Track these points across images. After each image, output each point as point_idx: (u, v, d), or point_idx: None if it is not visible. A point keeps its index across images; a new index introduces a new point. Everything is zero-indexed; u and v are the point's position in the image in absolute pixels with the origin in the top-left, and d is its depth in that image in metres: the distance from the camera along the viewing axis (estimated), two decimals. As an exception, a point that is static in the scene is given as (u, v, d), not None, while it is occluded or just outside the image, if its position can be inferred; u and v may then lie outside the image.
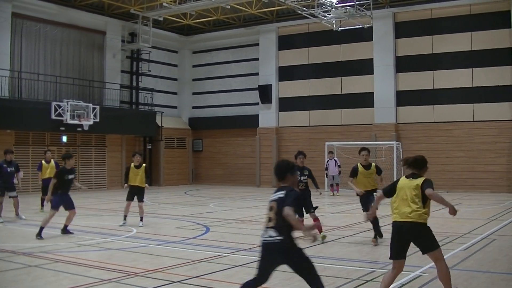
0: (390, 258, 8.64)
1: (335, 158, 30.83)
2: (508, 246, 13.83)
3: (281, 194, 7.49)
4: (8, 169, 19.19)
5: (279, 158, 36.54)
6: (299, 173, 13.87)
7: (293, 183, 7.77)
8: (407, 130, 33.39)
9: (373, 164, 14.78)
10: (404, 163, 8.91)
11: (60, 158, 19.17)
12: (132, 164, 18.19)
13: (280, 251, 7.25)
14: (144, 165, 18.38)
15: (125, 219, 17.89)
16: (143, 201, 18.12)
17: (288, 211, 7.13)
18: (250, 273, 10.80)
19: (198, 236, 15.75)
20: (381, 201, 9.16)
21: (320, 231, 14.28)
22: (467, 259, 12.18)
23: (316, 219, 14.54)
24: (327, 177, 30.86)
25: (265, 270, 7.54)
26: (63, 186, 15.63)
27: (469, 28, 32.27)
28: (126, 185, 18.25)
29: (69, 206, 15.79)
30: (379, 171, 14.87)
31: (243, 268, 11.37)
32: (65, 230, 15.91)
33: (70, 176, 15.80)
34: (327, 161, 30.75)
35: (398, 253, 8.53)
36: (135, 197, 18.03)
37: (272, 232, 7.29)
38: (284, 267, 7.40)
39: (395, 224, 8.53)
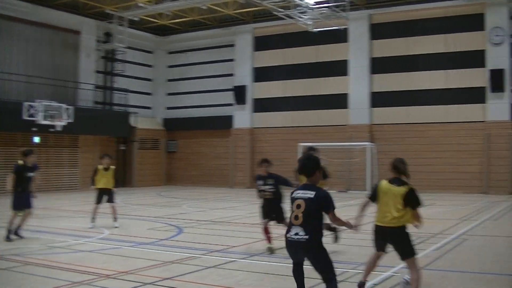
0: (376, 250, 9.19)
1: None
2: (479, 246, 13.92)
3: (310, 194, 7.68)
4: None
5: (253, 159, 36.59)
6: (262, 182, 13.33)
7: (317, 181, 7.97)
8: (381, 131, 33.52)
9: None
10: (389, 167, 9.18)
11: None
12: (101, 167, 18.00)
13: (305, 249, 7.59)
14: (112, 167, 18.25)
15: (93, 221, 17.72)
16: (114, 202, 18.03)
17: (333, 217, 7.78)
18: (223, 274, 10.80)
19: (170, 238, 15.67)
20: (367, 207, 9.21)
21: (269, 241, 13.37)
22: (439, 259, 12.27)
23: (266, 230, 13.41)
24: (301, 178, 30.80)
25: (296, 259, 7.92)
26: (22, 183, 15.21)
27: (444, 30, 32.48)
28: (92, 187, 18.13)
29: (27, 205, 15.36)
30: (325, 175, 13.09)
31: (216, 270, 11.32)
32: (17, 232, 15.27)
33: (30, 174, 15.37)
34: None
35: (381, 247, 9.12)
36: (104, 199, 17.94)
37: (298, 230, 7.58)
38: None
39: (377, 228, 8.99)
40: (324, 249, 7.69)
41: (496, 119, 30.85)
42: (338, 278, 10.15)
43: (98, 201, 17.89)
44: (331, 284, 7.75)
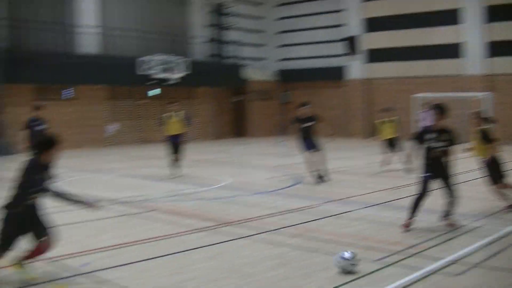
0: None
1: None
2: None
3: None
4: (37, 127, 17.21)
5: (368, 109, 36.23)
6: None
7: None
8: (498, 81, 32.25)
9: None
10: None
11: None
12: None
13: None
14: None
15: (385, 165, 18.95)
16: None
17: None
18: (342, 224, 10.90)
19: (289, 187, 15.84)
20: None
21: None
22: None
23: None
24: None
25: None
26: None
27: None
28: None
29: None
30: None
31: (335, 219, 11.41)
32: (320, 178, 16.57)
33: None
34: (422, 113, 29.58)
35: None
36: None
37: None
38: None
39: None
40: None
41: None
42: (463, 230, 10.13)
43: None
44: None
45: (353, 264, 7.64)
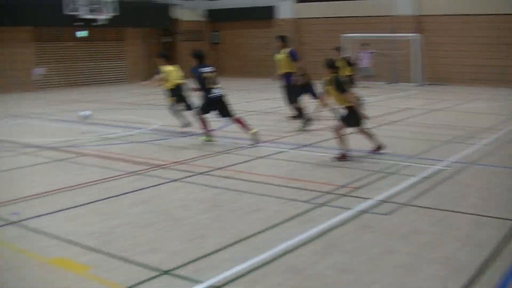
0: None
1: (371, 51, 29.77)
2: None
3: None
4: None
5: (298, 50, 36.11)
6: None
7: None
8: (430, 22, 32.21)
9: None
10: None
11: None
12: None
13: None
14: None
15: None
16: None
17: None
18: (273, 164, 11.00)
19: (220, 128, 15.81)
20: None
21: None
22: (490, 155, 11.97)
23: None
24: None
25: None
26: None
27: None
28: None
29: None
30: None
31: (265, 160, 11.51)
32: None
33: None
34: (360, 53, 29.75)
35: None
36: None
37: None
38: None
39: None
40: None
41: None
42: (389, 170, 10.35)
43: None
44: None
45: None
